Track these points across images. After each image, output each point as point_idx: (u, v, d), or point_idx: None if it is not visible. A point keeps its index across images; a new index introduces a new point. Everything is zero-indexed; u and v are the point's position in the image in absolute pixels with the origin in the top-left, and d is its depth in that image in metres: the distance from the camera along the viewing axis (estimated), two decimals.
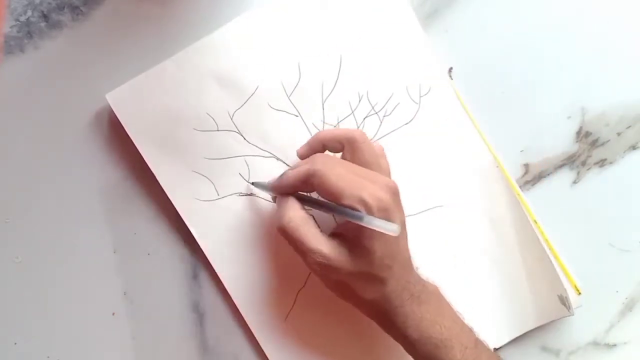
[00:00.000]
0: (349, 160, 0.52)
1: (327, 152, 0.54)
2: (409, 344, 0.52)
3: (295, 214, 0.50)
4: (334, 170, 0.49)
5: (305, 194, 0.53)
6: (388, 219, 0.47)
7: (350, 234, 0.50)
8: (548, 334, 0.61)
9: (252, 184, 0.57)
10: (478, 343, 0.53)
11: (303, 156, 0.54)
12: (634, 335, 0.61)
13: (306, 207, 0.52)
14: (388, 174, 0.53)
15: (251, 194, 0.58)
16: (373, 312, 0.53)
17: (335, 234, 0.51)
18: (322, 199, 0.50)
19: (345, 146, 0.52)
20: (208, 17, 0.57)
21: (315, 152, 0.53)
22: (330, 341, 0.59)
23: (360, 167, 0.51)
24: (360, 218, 0.46)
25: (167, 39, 0.57)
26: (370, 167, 0.51)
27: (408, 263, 0.52)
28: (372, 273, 0.49)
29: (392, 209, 0.48)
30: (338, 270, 0.49)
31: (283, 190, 0.52)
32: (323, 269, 0.50)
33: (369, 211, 0.47)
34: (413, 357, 0.53)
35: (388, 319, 0.52)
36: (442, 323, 0.52)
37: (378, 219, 0.46)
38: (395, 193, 0.50)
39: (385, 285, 0.50)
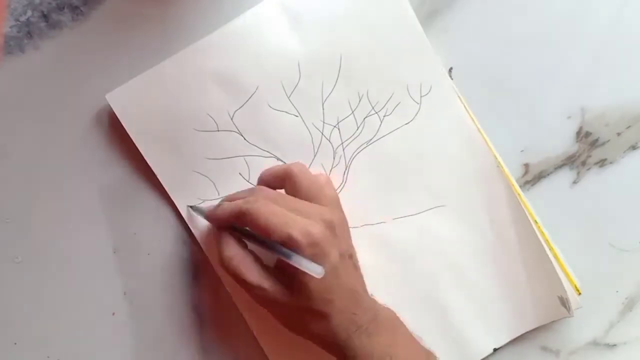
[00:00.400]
0: (290, 194, 0.52)
1: None
2: None
3: (233, 252, 0.51)
4: (266, 207, 0.49)
5: (242, 228, 0.52)
6: (320, 253, 0.48)
7: (288, 268, 0.49)
8: (548, 334, 0.61)
9: (190, 207, 0.57)
10: None
11: (220, 220, 0.53)
12: (634, 335, 0.61)
13: (244, 239, 0.52)
14: (335, 204, 0.53)
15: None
16: (324, 345, 0.52)
17: (277, 267, 0.52)
18: (257, 236, 0.50)
19: (285, 182, 0.53)
20: (208, 17, 0.57)
21: None
22: None
23: (298, 201, 0.51)
24: (289, 256, 0.47)
25: (167, 39, 0.57)
26: (313, 199, 0.51)
27: (352, 294, 0.51)
28: (313, 308, 0.49)
29: (324, 243, 0.48)
30: (280, 305, 0.50)
31: (219, 223, 0.53)
32: (266, 303, 0.51)
33: (298, 247, 0.47)
34: None
35: (339, 352, 0.51)
36: (393, 353, 0.51)
37: (305, 260, 0.47)
38: (330, 225, 0.50)
39: (329, 320, 0.50)
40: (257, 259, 0.51)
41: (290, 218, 0.48)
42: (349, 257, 0.51)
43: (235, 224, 0.52)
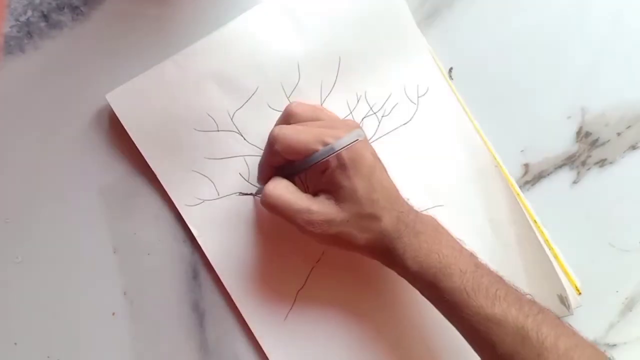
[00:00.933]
0: None
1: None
2: (410, 276, 0.52)
3: (275, 183, 0.52)
4: (293, 129, 0.50)
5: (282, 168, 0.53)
6: (356, 156, 0.49)
7: (330, 186, 0.50)
8: None
9: (240, 194, 0.58)
10: (479, 266, 0.52)
11: (262, 173, 0.55)
12: (634, 335, 0.61)
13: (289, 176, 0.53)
14: (338, 120, 0.55)
15: (251, 194, 0.58)
16: (376, 252, 0.52)
17: (316, 192, 0.52)
18: (296, 164, 0.51)
19: (290, 119, 0.53)
20: (208, 18, 0.57)
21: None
22: (330, 341, 0.59)
23: (312, 122, 0.52)
24: (332, 149, 0.48)
25: (167, 39, 0.57)
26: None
27: (394, 194, 0.52)
28: (362, 212, 0.50)
29: (356, 145, 0.49)
30: (330, 221, 0.50)
31: (264, 175, 0.54)
32: (316, 225, 0.50)
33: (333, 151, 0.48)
34: (418, 290, 0.52)
35: (388, 254, 0.51)
36: (439, 251, 0.51)
37: (342, 139, 0.48)
38: (351, 125, 0.51)
39: (379, 220, 0.50)
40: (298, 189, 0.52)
41: (319, 131, 0.50)
42: (378, 159, 0.52)
43: (274, 166, 0.53)
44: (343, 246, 0.53)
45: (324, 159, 0.49)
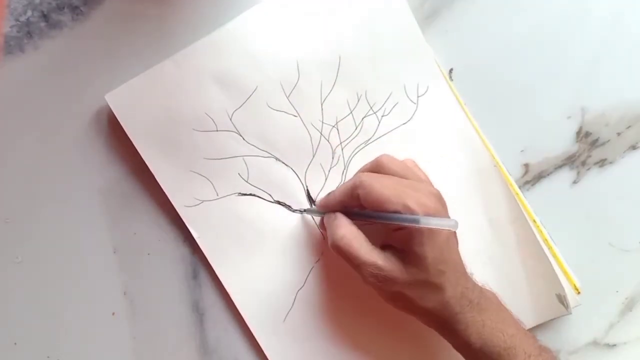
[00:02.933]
0: None
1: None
2: (472, 353, 0.51)
3: (346, 230, 0.51)
4: (379, 180, 0.50)
5: (353, 210, 0.53)
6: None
7: (399, 244, 0.50)
8: (548, 334, 0.61)
9: (304, 211, 0.58)
10: (542, 350, 0.52)
11: (325, 204, 0.55)
12: (634, 335, 0.61)
13: (355, 221, 0.52)
14: (428, 183, 0.54)
15: (250, 194, 0.58)
16: (433, 321, 0.52)
17: (384, 247, 0.51)
18: (371, 212, 0.51)
19: (378, 170, 0.53)
20: (207, 17, 0.57)
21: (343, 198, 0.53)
22: (330, 341, 0.59)
23: (400, 179, 0.52)
24: (417, 220, 0.47)
25: (167, 39, 0.57)
26: (386, 198, 0.51)
27: (462, 269, 0.52)
28: (427, 280, 0.49)
29: (439, 213, 0.49)
30: (393, 280, 0.49)
31: (330, 206, 0.54)
32: (379, 281, 0.50)
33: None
34: None
35: (449, 327, 0.51)
36: (504, 330, 0.51)
37: (435, 218, 0.47)
38: (439, 199, 0.51)
39: (443, 292, 0.50)
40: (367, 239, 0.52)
41: (403, 190, 0.49)
42: (454, 232, 0.52)
43: (346, 206, 0.53)
44: (402, 306, 0.52)
45: (405, 224, 0.48)
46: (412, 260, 0.49)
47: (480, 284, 0.53)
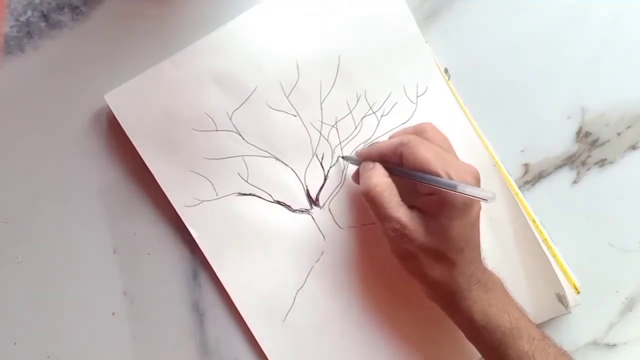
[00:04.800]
0: None
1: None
2: (475, 331, 0.52)
3: (381, 180, 0.51)
4: (425, 144, 0.50)
5: (392, 165, 0.53)
6: (470, 202, 0.49)
7: (429, 209, 0.50)
8: (548, 334, 0.61)
9: (343, 157, 0.58)
10: (545, 336, 0.53)
11: (365, 154, 0.55)
12: (634, 335, 0.61)
13: (392, 175, 0.52)
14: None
15: (250, 194, 0.58)
16: (438, 293, 0.53)
17: (414, 207, 0.51)
18: (408, 170, 0.51)
19: (420, 135, 0.53)
20: (207, 17, 0.57)
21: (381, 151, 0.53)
22: (330, 341, 0.59)
23: (444, 150, 0.52)
24: (454, 186, 0.47)
25: (166, 39, 0.57)
26: (431, 163, 0.51)
27: (478, 250, 0.52)
28: (444, 252, 0.50)
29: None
30: (412, 241, 0.50)
31: (371, 155, 0.54)
32: (398, 236, 0.50)
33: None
34: (476, 345, 0.53)
35: (453, 302, 0.52)
36: (509, 312, 0.51)
37: (472, 187, 0.47)
38: (478, 178, 0.51)
39: (454, 268, 0.50)
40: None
41: (446, 160, 0.49)
42: (479, 217, 0.52)
43: (385, 161, 0.53)
44: (411, 269, 0.53)
45: (442, 188, 0.48)
46: (436, 229, 0.49)
47: (489, 268, 0.54)
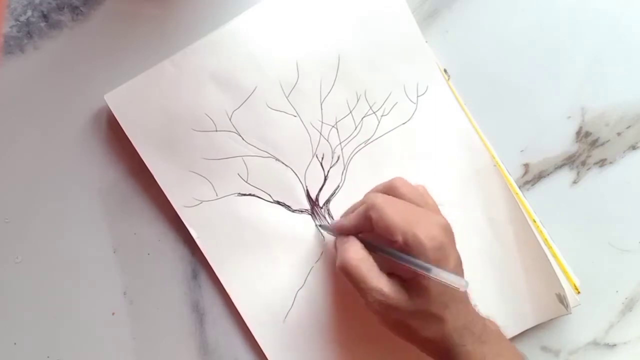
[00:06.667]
0: None
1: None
2: None
3: (356, 253, 0.51)
4: (391, 205, 0.50)
5: (367, 240, 0.53)
6: (442, 258, 0.48)
7: (406, 274, 0.50)
8: (548, 334, 0.61)
9: (320, 226, 0.59)
10: None
11: (343, 227, 0.54)
12: (634, 335, 0.61)
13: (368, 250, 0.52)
14: (437, 212, 0.54)
15: (250, 194, 0.58)
16: (433, 352, 0.52)
17: (391, 274, 0.51)
18: (384, 247, 0.51)
19: (389, 193, 0.53)
20: (207, 18, 0.57)
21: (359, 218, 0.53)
22: (330, 341, 0.59)
23: (412, 206, 0.51)
24: (428, 270, 0.47)
25: (166, 39, 0.57)
26: (400, 226, 0.50)
27: (465, 300, 0.52)
28: (430, 311, 0.49)
29: (445, 247, 0.49)
30: (397, 309, 0.49)
31: (344, 229, 0.54)
32: (383, 307, 0.50)
33: (422, 248, 0.48)
34: None
35: (447, 358, 0.51)
36: None
37: (445, 272, 0.47)
38: (448, 231, 0.50)
39: (444, 323, 0.50)
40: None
41: (413, 219, 0.49)
42: (460, 263, 0.51)
43: (360, 230, 0.53)
44: (403, 335, 0.52)
45: (417, 270, 0.48)
46: (417, 290, 0.49)
47: (483, 316, 0.53)
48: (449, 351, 0.51)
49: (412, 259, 0.48)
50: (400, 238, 0.48)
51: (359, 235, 0.53)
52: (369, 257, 0.51)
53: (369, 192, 0.56)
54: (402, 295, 0.49)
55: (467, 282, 0.47)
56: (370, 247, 0.52)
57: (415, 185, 0.54)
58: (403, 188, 0.53)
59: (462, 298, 0.51)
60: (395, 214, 0.49)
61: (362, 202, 0.53)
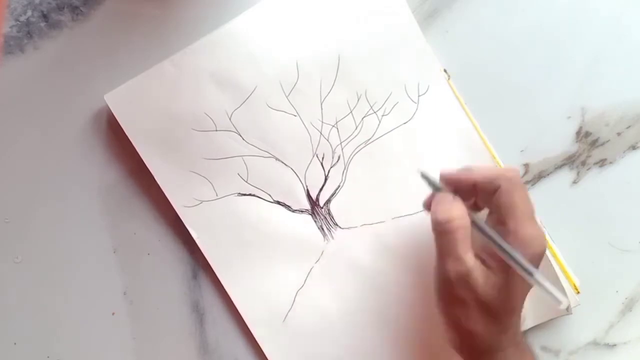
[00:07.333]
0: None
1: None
2: None
3: (459, 215, 0.48)
4: (524, 190, 0.47)
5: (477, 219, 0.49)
6: (537, 268, 0.46)
7: (493, 263, 0.47)
8: (548, 334, 0.61)
9: (422, 174, 0.52)
10: None
11: (459, 178, 0.51)
12: (634, 335, 0.61)
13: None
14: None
15: (250, 194, 0.58)
16: (471, 346, 0.50)
17: (477, 256, 0.48)
18: (490, 227, 0.48)
19: (502, 185, 0.49)
20: (207, 18, 0.57)
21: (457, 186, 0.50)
22: (330, 341, 0.59)
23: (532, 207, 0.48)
24: (531, 273, 0.45)
25: (166, 39, 0.57)
26: (524, 214, 0.48)
27: (521, 314, 0.50)
28: (497, 309, 0.47)
29: (541, 261, 0.47)
30: (472, 289, 0.47)
31: (456, 181, 0.50)
32: (460, 281, 0.47)
33: (530, 250, 0.45)
34: None
35: (484, 358, 0.49)
36: None
37: (549, 283, 0.45)
38: (543, 249, 0.48)
39: (500, 325, 0.48)
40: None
41: (533, 216, 0.47)
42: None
43: (473, 192, 0.50)
44: (452, 315, 0.49)
45: (517, 268, 0.45)
46: (497, 284, 0.47)
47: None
48: (488, 351, 0.49)
49: (518, 255, 0.45)
50: (515, 227, 0.46)
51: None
52: (470, 227, 0.48)
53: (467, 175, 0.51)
54: (482, 280, 0.47)
55: (568, 301, 0.45)
56: (476, 225, 0.48)
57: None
58: (521, 187, 0.49)
59: (521, 311, 0.49)
60: (523, 199, 0.47)
61: (488, 169, 0.50)
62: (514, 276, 0.46)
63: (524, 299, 0.49)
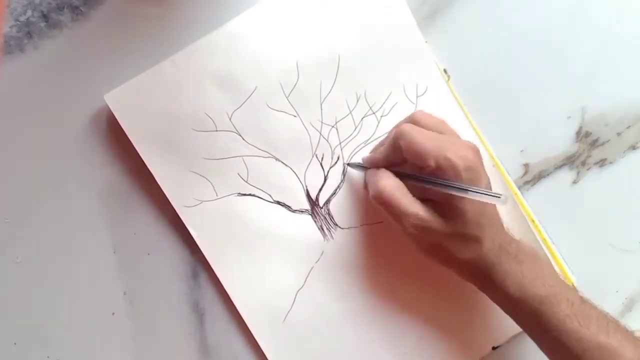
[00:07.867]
0: None
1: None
2: (511, 304, 0.52)
3: (389, 181, 0.52)
4: (421, 133, 0.50)
5: (397, 170, 0.53)
6: (475, 178, 0.49)
7: (440, 198, 0.50)
8: None
9: (348, 164, 0.58)
10: (584, 300, 0.52)
11: (374, 159, 0.55)
12: None
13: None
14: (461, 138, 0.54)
15: (250, 194, 0.58)
16: (471, 274, 0.53)
17: (424, 199, 0.51)
18: (416, 174, 0.51)
19: (400, 140, 0.52)
20: (207, 18, 0.57)
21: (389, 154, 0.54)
22: (330, 341, 0.59)
23: (438, 134, 0.52)
24: (465, 190, 0.48)
25: (166, 39, 0.57)
26: (425, 143, 0.51)
27: (499, 222, 0.53)
28: (467, 232, 0.50)
29: (477, 167, 0.50)
30: (434, 231, 0.50)
31: (375, 161, 0.54)
32: (420, 231, 0.50)
33: (455, 170, 0.48)
34: (515, 319, 0.53)
35: (487, 279, 0.52)
36: (543, 280, 0.51)
37: (483, 189, 0.47)
38: (477, 152, 0.51)
39: (481, 244, 0.50)
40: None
41: (442, 143, 0.50)
42: (490, 183, 0.52)
43: (390, 160, 0.53)
44: (440, 258, 0.53)
45: (453, 193, 0.49)
46: (452, 213, 0.50)
47: (517, 238, 0.54)
48: (486, 271, 0.52)
49: (448, 182, 0.49)
50: (432, 162, 0.49)
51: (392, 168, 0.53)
52: (401, 184, 0.52)
53: (394, 126, 0.56)
54: (438, 218, 0.50)
55: (505, 195, 0.47)
56: (401, 176, 0.52)
57: (436, 117, 0.54)
58: (426, 119, 0.53)
59: (496, 219, 0.52)
60: (424, 139, 0.50)
61: (389, 136, 0.54)
62: (460, 199, 0.49)
63: (484, 211, 0.50)
